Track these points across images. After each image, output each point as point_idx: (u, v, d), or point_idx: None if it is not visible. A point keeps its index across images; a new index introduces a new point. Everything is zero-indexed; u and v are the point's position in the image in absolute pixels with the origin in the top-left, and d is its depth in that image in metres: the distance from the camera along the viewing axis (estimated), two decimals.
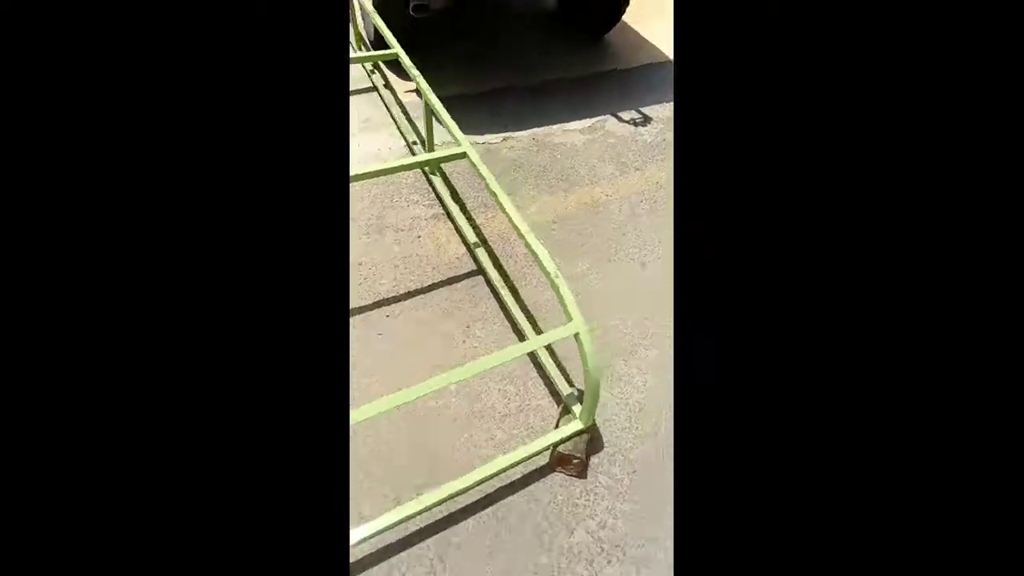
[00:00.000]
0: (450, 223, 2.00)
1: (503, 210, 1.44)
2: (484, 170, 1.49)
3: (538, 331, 1.65)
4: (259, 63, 0.56)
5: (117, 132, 0.53)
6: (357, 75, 2.63)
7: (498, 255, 1.91)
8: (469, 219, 2.01)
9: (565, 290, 1.24)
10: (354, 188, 2.08)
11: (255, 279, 0.55)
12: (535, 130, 2.49)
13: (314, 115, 0.59)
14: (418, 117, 2.51)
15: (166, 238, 0.53)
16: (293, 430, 0.54)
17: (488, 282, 1.79)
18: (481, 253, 1.87)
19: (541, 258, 1.29)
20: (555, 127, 2.52)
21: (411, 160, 1.58)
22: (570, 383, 1.48)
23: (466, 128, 2.46)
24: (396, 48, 1.99)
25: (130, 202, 0.53)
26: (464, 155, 1.55)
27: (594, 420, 1.33)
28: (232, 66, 0.56)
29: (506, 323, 1.69)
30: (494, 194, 1.47)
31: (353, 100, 2.54)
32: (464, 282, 1.82)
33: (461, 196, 2.12)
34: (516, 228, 1.36)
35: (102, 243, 0.52)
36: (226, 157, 0.55)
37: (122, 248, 0.52)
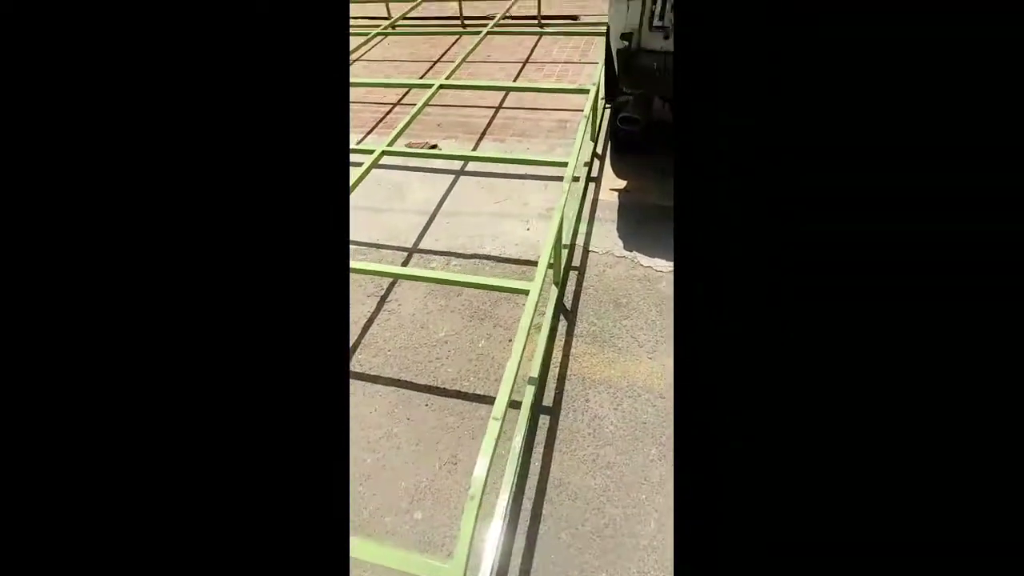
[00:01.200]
0: (546, 342, 1.84)
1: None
2: (526, 319, 1.31)
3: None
4: (258, 65, 0.55)
5: (120, 128, 0.53)
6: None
7: (560, 402, 1.66)
8: (565, 347, 1.81)
9: (468, 520, 0.99)
10: (484, 269, 2.13)
11: (252, 281, 0.54)
12: None
13: (312, 122, 0.56)
14: (601, 219, 2.37)
15: (165, 235, 0.53)
16: (290, 428, 0.53)
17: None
18: (536, 391, 1.66)
19: (483, 451, 1.06)
20: None
21: (464, 278, 1.51)
22: None
23: (642, 246, 2.20)
24: (576, 141, 1.91)
25: (131, 199, 0.52)
26: (526, 292, 1.40)
27: None
28: (231, 66, 0.54)
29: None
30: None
31: (557, 186, 2.57)
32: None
33: (578, 317, 1.92)
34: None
35: (102, 246, 0.51)
36: (220, 161, 0.54)
37: (124, 247, 0.52)
